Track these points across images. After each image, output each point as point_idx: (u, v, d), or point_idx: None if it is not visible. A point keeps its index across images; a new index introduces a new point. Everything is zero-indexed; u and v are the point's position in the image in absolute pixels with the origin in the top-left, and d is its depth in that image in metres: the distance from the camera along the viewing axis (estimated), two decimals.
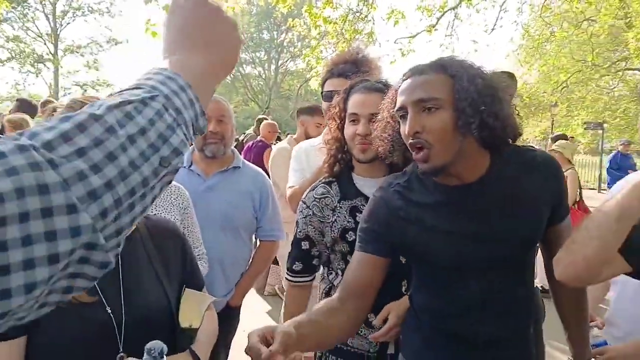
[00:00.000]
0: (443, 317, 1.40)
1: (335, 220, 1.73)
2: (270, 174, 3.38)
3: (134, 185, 0.51)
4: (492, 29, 11.45)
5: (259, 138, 6.49)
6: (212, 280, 2.24)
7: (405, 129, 1.26)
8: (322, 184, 1.80)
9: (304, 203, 1.79)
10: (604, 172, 18.76)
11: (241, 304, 2.51)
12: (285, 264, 1.88)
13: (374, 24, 9.59)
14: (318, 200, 1.76)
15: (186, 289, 1.34)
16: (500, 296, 1.34)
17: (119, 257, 1.24)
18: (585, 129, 19.27)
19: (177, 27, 0.68)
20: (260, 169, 2.56)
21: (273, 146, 5.36)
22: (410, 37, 10.64)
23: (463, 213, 1.32)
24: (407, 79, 1.29)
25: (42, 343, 1.11)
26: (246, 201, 2.37)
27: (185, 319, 1.28)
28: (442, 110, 1.22)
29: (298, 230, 1.80)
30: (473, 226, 1.30)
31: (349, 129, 1.74)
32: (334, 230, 1.73)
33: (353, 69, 2.35)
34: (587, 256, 1.14)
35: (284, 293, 2.42)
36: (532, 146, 1.42)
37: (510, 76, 2.31)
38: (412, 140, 1.24)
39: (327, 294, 1.82)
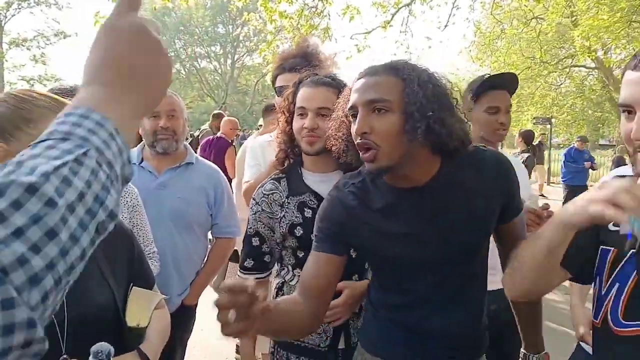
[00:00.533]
0: (397, 310, 1.43)
1: (284, 215, 1.73)
2: (235, 171, 3.33)
3: (73, 260, 0.47)
4: (445, 26, 11.65)
5: (219, 134, 6.37)
6: (167, 279, 2.20)
7: (354, 128, 1.27)
8: (271, 180, 1.79)
9: (254, 199, 1.78)
10: (553, 166, 19.49)
11: (197, 303, 2.47)
12: None
13: (329, 19, 9.63)
14: (266, 196, 1.76)
15: (133, 287, 1.29)
16: (452, 290, 1.38)
17: None
18: (534, 124, 19.91)
19: (105, 52, 0.61)
20: (215, 166, 2.52)
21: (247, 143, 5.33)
22: (366, 33, 10.72)
23: (412, 215, 1.34)
24: (360, 79, 1.30)
25: None
26: (200, 197, 2.33)
27: (133, 317, 1.24)
28: (390, 113, 1.23)
29: (248, 227, 1.79)
30: (421, 227, 1.33)
31: (297, 123, 1.74)
32: (282, 226, 1.73)
33: (303, 62, 2.34)
34: (530, 281, 1.21)
35: None
36: (483, 146, 1.44)
37: (513, 77, 2.36)
38: (359, 141, 1.26)
39: (280, 289, 1.82)
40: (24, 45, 28.61)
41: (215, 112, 8.70)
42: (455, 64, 24.90)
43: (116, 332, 1.20)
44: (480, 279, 1.46)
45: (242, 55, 37.65)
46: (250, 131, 8.03)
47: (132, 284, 1.30)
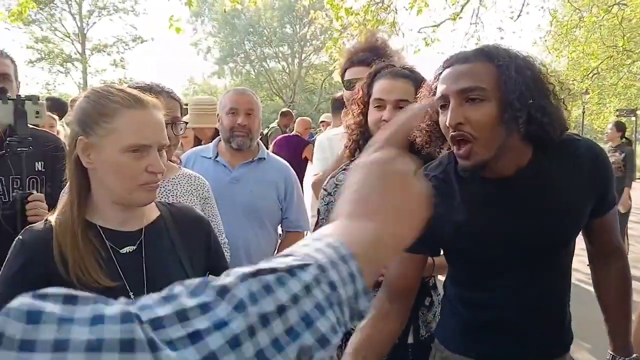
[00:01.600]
0: (478, 307, 1.38)
1: None
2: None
3: None
4: (519, 16, 11.19)
5: (293, 133, 6.48)
6: None
7: (445, 119, 1.18)
8: (343, 171, 1.78)
9: (325, 190, 1.77)
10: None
11: None
12: None
13: (396, 13, 9.47)
14: (339, 186, 1.74)
15: (210, 276, 1.32)
16: (537, 287, 1.32)
17: (142, 243, 1.25)
18: (617, 116, 18.77)
19: (359, 187, 0.57)
20: (285, 161, 2.54)
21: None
22: (434, 26, 10.48)
23: (498, 207, 1.27)
24: (449, 67, 1.22)
25: None
26: (271, 192, 2.37)
27: None
28: (487, 102, 1.15)
29: (320, 217, 1.78)
30: (509, 221, 1.26)
31: (373, 115, 1.70)
32: None
33: (372, 56, 2.33)
34: None
35: None
36: (577, 135, 1.35)
37: None
38: (453, 133, 1.17)
39: None
40: (104, 51, 30.34)
41: (283, 110, 8.81)
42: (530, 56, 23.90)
43: None
44: (565, 274, 1.39)
45: (309, 54, 37.99)
46: (318, 129, 8.10)
47: (208, 273, 1.34)
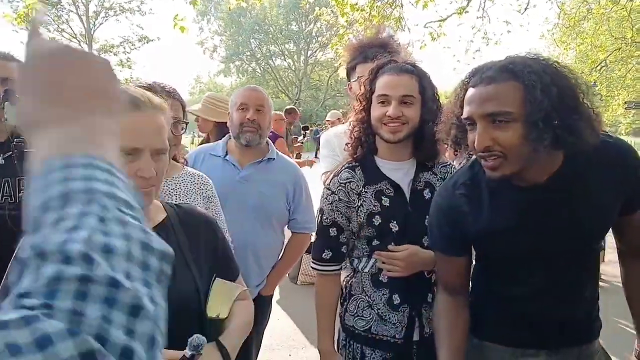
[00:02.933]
0: (508, 301, 1.43)
1: (361, 204, 1.71)
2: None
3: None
4: (526, 9, 11.11)
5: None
6: (246, 270, 2.24)
7: (474, 140, 1.22)
8: (346, 169, 1.77)
9: (329, 189, 1.76)
10: None
11: (273, 294, 2.51)
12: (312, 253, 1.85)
13: (402, 8, 9.43)
14: (343, 185, 1.73)
15: (216, 278, 1.31)
16: (566, 282, 1.36)
17: None
18: (626, 109, 18.58)
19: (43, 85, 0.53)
20: (294, 162, 2.54)
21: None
22: (441, 20, 10.42)
23: (531, 213, 1.31)
24: (474, 87, 1.23)
25: None
26: (279, 192, 2.36)
27: (213, 308, 1.26)
28: (513, 124, 1.17)
29: (324, 217, 1.77)
30: (540, 226, 1.30)
31: (377, 110, 1.70)
32: (359, 215, 1.71)
33: (385, 52, 2.32)
34: None
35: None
36: (608, 134, 1.36)
37: None
38: (482, 154, 1.22)
39: (350, 279, 1.82)
40: (111, 51, 30.41)
41: (288, 107, 8.80)
42: (538, 49, 23.76)
43: (198, 322, 1.22)
44: (594, 268, 1.45)
45: (315, 51, 37.92)
46: (324, 125, 8.09)
47: (215, 275, 1.32)
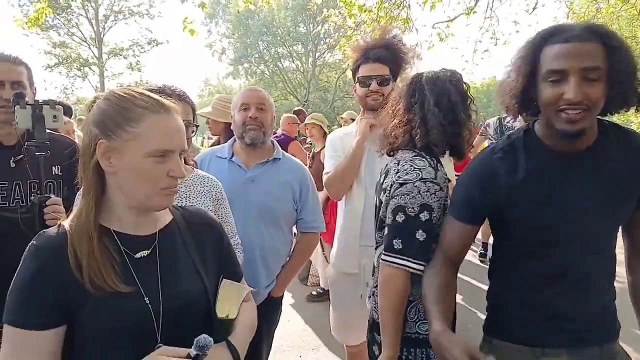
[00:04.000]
0: (529, 288, 1.45)
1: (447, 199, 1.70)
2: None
3: None
4: (534, 8, 11.04)
5: (280, 132, 6.37)
6: (254, 272, 2.25)
7: (554, 95, 1.28)
8: (418, 157, 1.70)
9: (437, 184, 1.61)
10: None
11: (283, 295, 2.51)
12: (402, 252, 1.62)
13: (409, 9, 9.41)
14: (445, 180, 1.66)
15: (224, 279, 1.33)
16: (588, 266, 1.40)
17: (156, 247, 1.25)
18: (637, 109, 18.43)
19: None
20: (300, 162, 2.54)
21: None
22: (448, 21, 10.39)
23: (563, 178, 1.37)
24: (564, 43, 1.28)
25: (81, 334, 1.12)
26: (286, 193, 2.37)
27: (222, 309, 1.27)
28: (600, 82, 1.26)
29: (434, 215, 1.61)
30: (570, 193, 1.36)
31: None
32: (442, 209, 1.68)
33: (389, 54, 2.34)
34: None
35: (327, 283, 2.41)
36: (632, 130, 1.47)
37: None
38: (568, 106, 1.26)
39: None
40: (121, 55, 30.58)
41: (295, 109, 8.80)
42: None
43: (207, 322, 1.24)
44: (612, 259, 1.46)
45: (323, 53, 37.92)
46: (334, 127, 8.13)
47: (222, 276, 1.34)
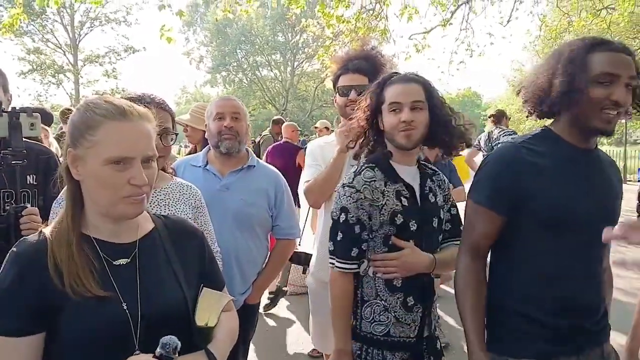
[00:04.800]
0: (538, 284, 1.52)
1: (385, 203, 1.76)
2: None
3: None
4: (508, 21, 11.29)
5: (284, 140, 6.41)
6: (230, 279, 2.26)
7: (605, 95, 1.44)
8: (367, 168, 1.83)
9: (352, 187, 1.78)
10: (630, 163, 18.34)
11: (259, 302, 2.52)
12: (332, 253, 1.83)
13: (387, 20, 9.54)
14: (368, 183, 1.78)
15: (204, 287, 1.33)
16: (593, 260, 1.53)
17: (136, 255, 1.26)
18: None
19: None
20: (274, 168, 2.57)
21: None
22: (425, 32, 10.55)
23: (581, 171, 1.52)
24: (614, 52, 1.46)
25: (60, 340, 1.12)
26: (261, 199, 2.39)
27: (202, 317, 1.27)
28: (632, 92, 1.47)
29: (350, 215, 1.77)
30: (585, 184, 1.50)
31: (391, 118, 1.80)
32: (383, 214, 1.76)
33: (367, 65, 2.39)
34: None
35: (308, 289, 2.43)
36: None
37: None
38: (614, 108, 1.45)
39: (360, 283, 1.83)
40: (97, 62, 30.23)
41: (275, 118, 8.82)
42: (519, 60, 24.07)
43: (186, 331, 1.24)
44: (606, 263, 1.60)
45: (302, 62, 38.04)
46: (311, 136, 8.19)
47: (202, 285, 1.34)
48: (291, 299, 5.30)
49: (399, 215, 1.75)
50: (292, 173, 4.36)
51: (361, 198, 1.76)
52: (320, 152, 2.50)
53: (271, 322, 4.70)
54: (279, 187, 2.46)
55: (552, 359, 1.48)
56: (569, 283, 1.48)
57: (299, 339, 4.29)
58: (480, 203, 1.57)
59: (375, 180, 1.79)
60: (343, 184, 1.82)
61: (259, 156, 5.38)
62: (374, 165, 1.83)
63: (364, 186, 1.77)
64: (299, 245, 2.98)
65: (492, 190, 1.54)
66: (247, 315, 2.41)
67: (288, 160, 5.74)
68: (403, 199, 1.78)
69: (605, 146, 22.26)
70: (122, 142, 1.16)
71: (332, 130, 3.66)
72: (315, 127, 7.62)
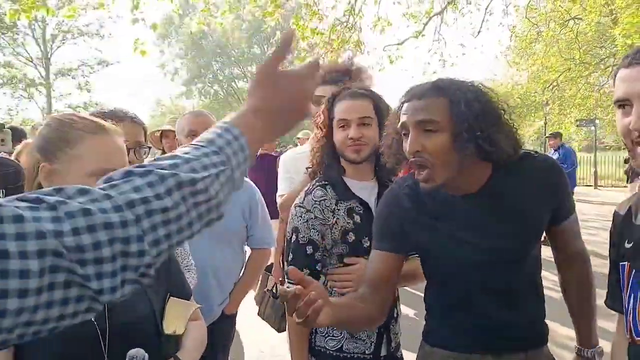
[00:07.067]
0: (449, 307, 1.50)
1: (336, 222, 1.75)
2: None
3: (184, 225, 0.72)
4: (479, 32, 11.56)
5: (261, 152, 6.37)
6: (207, 290, 2.26)
7: (406, 146, 1.35)
8: (318, 187, 1.81)
9: (303, 207, 1.77)
10: (600, 169, 18.82)
11: (237, 312, 2.52)
12: (286, 273, 1.84)
13: (360, 32, 9.67)
14: (318, 202, 1.77)
15: (170, 297, 1.34)
16: (503, 288, 1.44)
17: None
18: (577, 126, 19.35)
19: (265, 93, 0.88)
20: (248, 179, 2.57)
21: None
22: (398, 44, 10.72)
23: (464, 220, 1.41)
24: (408, 101, 1.37)
25: (28, 353, 1.12)
26: (235, 210, 2.39)
27: (169, 325, 1.28)
28: (440, 133, 1.30)
29: (300, 236, 1.76)
30: (473, 232, 1.40)
31: (339, 134, 1.79)
32: (334, 232, 1.75)
33: (345, 78, 2.41)
34: None
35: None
36: (535, 151, 1.51)
37: None
38: (413, 159, 1.33)
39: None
40: (69, 75, 29.85)
41: None
42: (492, 70, 24.56)
43: (155, 341, 1.25)
44: (533, 276, 1.51)
45: None
46: (287, 147, 8.20)
47: (169, 294, 1.35)
48: None
49: (350, 233, 1.74)
50: (271, 183, 4.35)
51: (311, 218, 1.75)
52: (293, 163, 2.50)
53: (248, 331, 4.67)
54: (253, 198, 2.47)
55: (464, 352, 1.49)
56: (470, 310, 1.46)
57: (282, 346, 4.27)
58: (374, 245, 1.56)
59: (325, 199, 1.77)
60: (295, 204, 1.82)
61: None
62: (326, 183, 1.81)
63: (314, 206, 1.76)
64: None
65: (382, 230, 1.53)
66: (226, 325, 2.41)
67: (270, 173, 5.73)
68: (356, 216, 1.76)
69: (578, 153, 22.79)
70: (105, 155, 1.21)
71: None
72: (299, 138, 7.62)
